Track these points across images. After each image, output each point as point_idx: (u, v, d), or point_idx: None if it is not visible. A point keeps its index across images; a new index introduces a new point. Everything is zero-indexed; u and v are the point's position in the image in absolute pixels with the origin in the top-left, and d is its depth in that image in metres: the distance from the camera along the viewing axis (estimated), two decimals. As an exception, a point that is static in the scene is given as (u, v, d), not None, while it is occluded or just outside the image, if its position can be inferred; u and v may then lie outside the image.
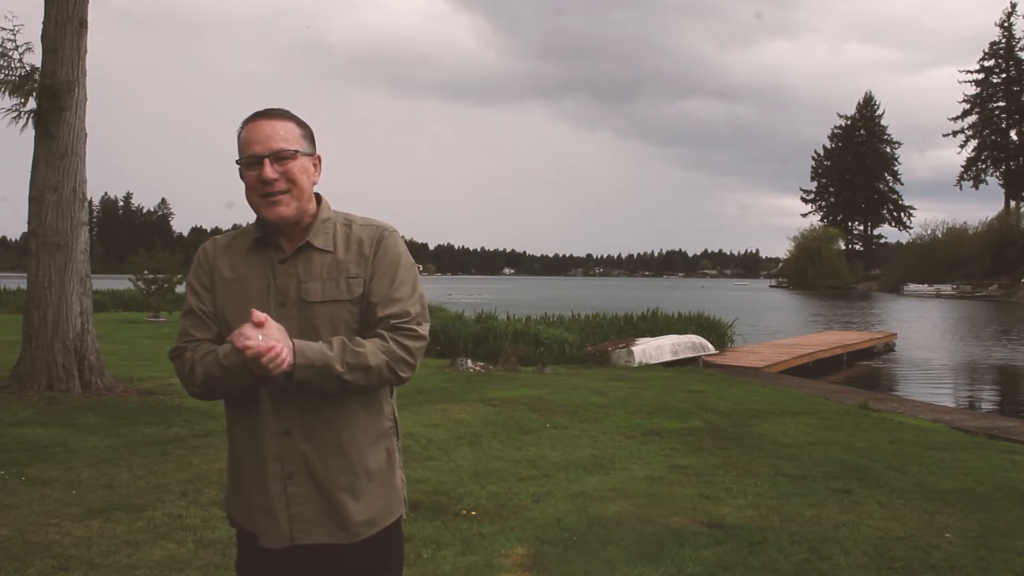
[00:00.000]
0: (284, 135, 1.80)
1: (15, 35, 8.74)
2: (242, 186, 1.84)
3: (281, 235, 1.84)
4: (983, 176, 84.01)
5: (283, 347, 1.63)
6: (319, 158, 1.89)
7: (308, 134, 1.86)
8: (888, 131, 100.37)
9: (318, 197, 1.89)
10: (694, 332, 16.11)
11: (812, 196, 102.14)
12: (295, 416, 1.78)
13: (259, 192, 1.79)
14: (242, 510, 1.87)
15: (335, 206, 1.93)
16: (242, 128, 1.82)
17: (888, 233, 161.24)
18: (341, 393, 1.75)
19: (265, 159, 1.77)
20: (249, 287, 1.82)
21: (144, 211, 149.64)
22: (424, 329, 1.84)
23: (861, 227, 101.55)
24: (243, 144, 1.81)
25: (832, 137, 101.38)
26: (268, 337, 1.62)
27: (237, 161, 1.82)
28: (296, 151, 1.80)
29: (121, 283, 30.79)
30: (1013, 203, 78.95)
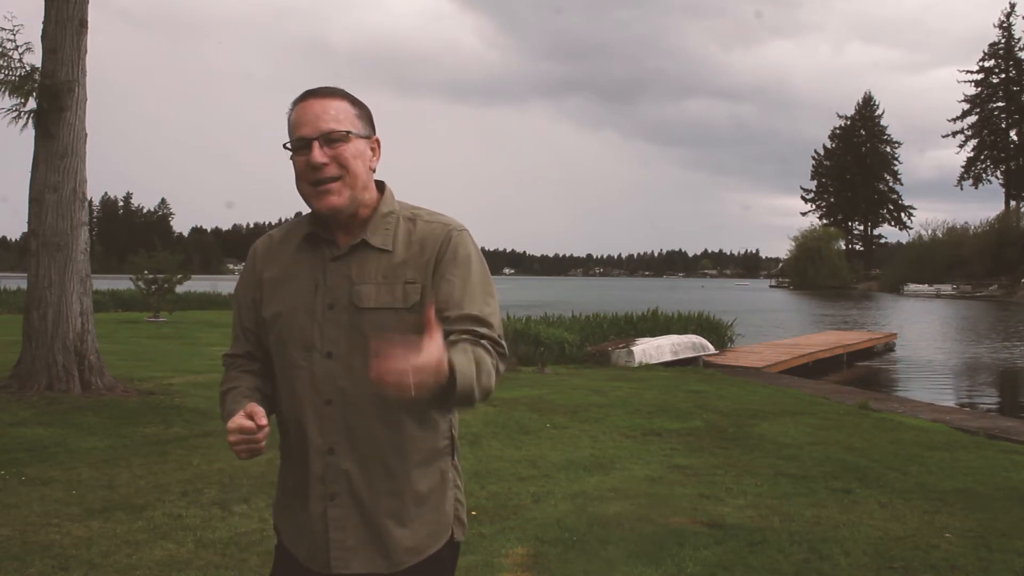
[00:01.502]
0: (336, 115, 1.61)
1: (15, 35, 8.75)
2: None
3: (336, 228, 1.66)
4: (983, 176, 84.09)
5: (420, 373, 1.36)
6: (378, 141, 1.70)
7: (364, 114, 1.68)
8: (888, 131, 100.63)
9: (381, 186, 1.71)
10: (694, 332, 16.11)
11: (812, 196, 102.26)
12: (341, 432, 1.62)
13: (309, 180, 1.61)
14: (286, 527, 1.74)
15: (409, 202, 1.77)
16: (292, 109, 1.65)
17: (888, 233, 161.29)
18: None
19: (314, 142, 1.59)
20: (297, 287, 1.66)
21: (144, 211, 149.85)
22: (502, 341, 1.63)
23: (861, 227, 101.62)
24: (292, 126, 1.63)
25: (832, 137, 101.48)
26: (416, 371, 1.36)
27: (285, 145, 1.64)
28: (348, 132, 1.61)
29: (121, 283, 30.82)
30: (1013, 203, 78.97)
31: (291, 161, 1.65)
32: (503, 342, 1.64)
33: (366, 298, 1.61)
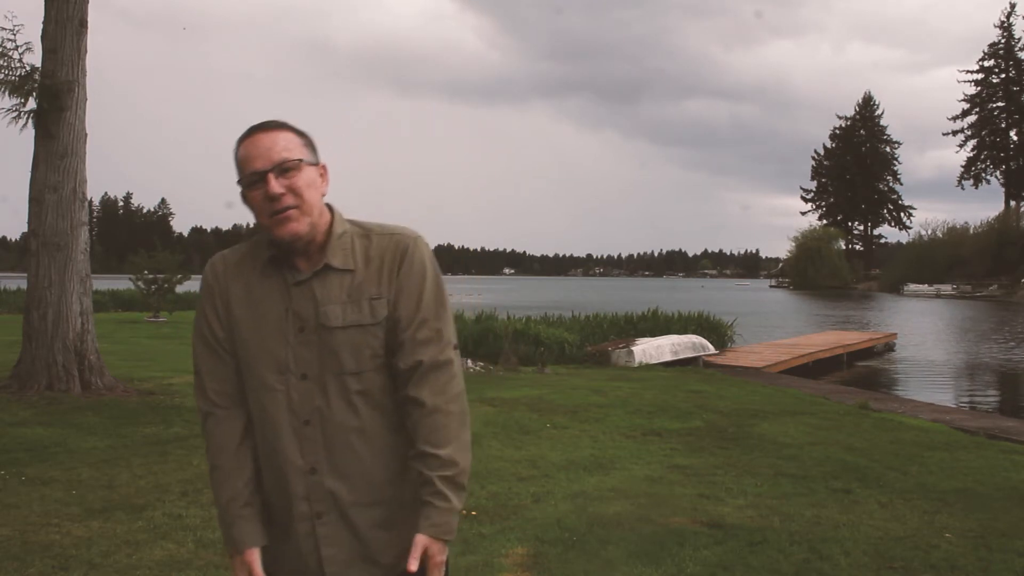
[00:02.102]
0: (286, 145, 1.65)
1: (15, 35, 8.76)
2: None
3: (296, 254, 1.68)
4: (983, 176, 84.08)
5: (444, 563, 1.63)
6: (324, 168, 1.73)
7: (309, 142, 1.71)
8: (888, 131, 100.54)
9: (330, 208, 1.74)
10: (694, 332, 16.12)
11: (812, 196, 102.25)
12: (321, 452, 1.65)
13: (267, 212, 1.63)
14: (267, 550, 1.73)
15: (338, 207, 1.79)
16: (238, 146, 1.67)
17: (888, 233, 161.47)
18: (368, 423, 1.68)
19: (269, 174, 1.62)
20: (266, 312, 1.68)
21: (144, 211, 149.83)
22: (456, 353, 1.72)
23: (861, 227, 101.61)
24: (242, 162, 1.66)
25: (832, 137, 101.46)
26: (439, 570, 1.62)
27: (239, 182, 1.67)
28: (300, 160, 1.65)
29: (121, 283, 30.81)
30: (1013, 203, 78.98)
31: (244, 199, 1.67)
32: (451, 353, 1.70)
33: (334, 318, 1.65)
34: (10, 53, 8.62)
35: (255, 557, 1.68)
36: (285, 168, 1.63)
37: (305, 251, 1.68)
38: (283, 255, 1.69)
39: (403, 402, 1.68)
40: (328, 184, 1.74)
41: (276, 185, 1.62)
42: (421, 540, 1.60)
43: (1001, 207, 79.49)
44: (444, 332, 1.70)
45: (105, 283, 32.06)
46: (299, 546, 1.69)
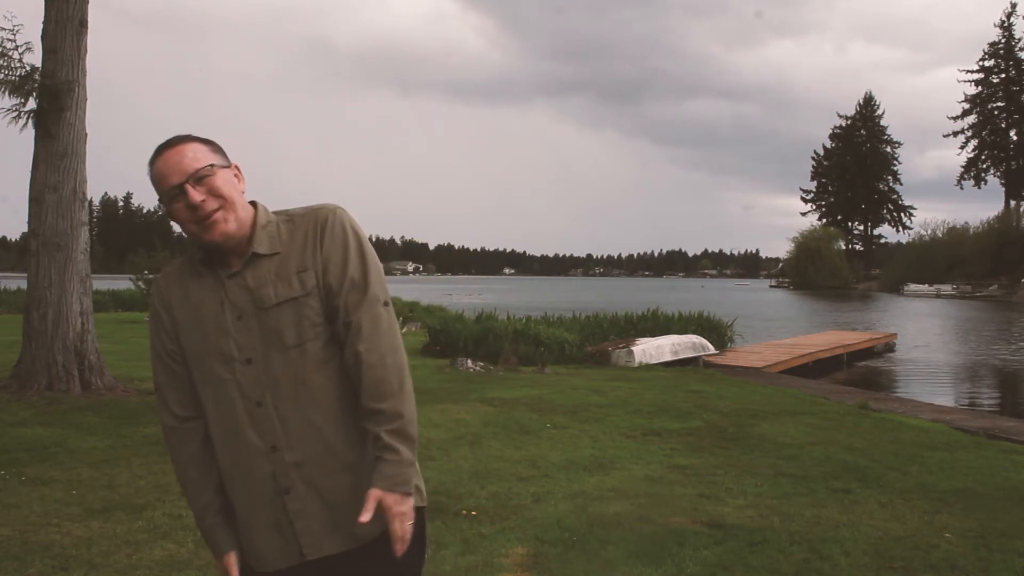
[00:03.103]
0: (194, 155, 1.70)
1: (15, 35, 8.76)
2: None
3: (228, 252, 1.75)
4: (984, 176, 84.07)
5: (407, 513, 1.66)
6: (238, 167, 1.80)
7: (217, 148, 1.77)
8: (888, 131, 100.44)
9: (253, 204, 1.80)
10: (694, 332, 16.11)
11: (812, 196, 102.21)
12: (277, 429, 1.71)
13: (193, 220, 1.69)
14: (242, 537, 1.81)
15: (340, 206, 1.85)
16: (151, 168, 1.72)
17: (888, 233, 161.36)
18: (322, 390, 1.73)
19: (186, 185, 1.68)
20: (204, 310, 1.75)
21: (144, 211, 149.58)
22: (387, 309, 1.77)
23: (861, 227, 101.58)
24: (158, 181, 1.71)
25: (832, 137, 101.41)
26: (401, 520, 1.65)
27: (159, 201, 1.73)
28: (212, 164, 1.71)
29: (121, 283, 30.78)
30: (1013, 203, 78.96)
31: (169, 216, 1.73)
32: (384, 298, 1.76)
33: (267, 298, 1.72)
34: (10, 53, 8.63)
35: (232, 560, 1.80)
36: (200, 176, 1.69)
37: (236, 249, 1.75)
38: (214, 255, 1.76)
39: (346, 364, 1.74)
40: (244, 183, 1.80)
41: (195, 194, 1.68)
42: (374, 493, 1.63)
43: (1002, 207, 79.50)
44: (372, 289, 1.74)
45: (105, 283, 32.03)
46: (275, 524, 1.74)
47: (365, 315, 1.72)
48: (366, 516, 1.61)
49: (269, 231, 1.77)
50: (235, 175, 1.78)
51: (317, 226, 1.75)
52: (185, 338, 1.77)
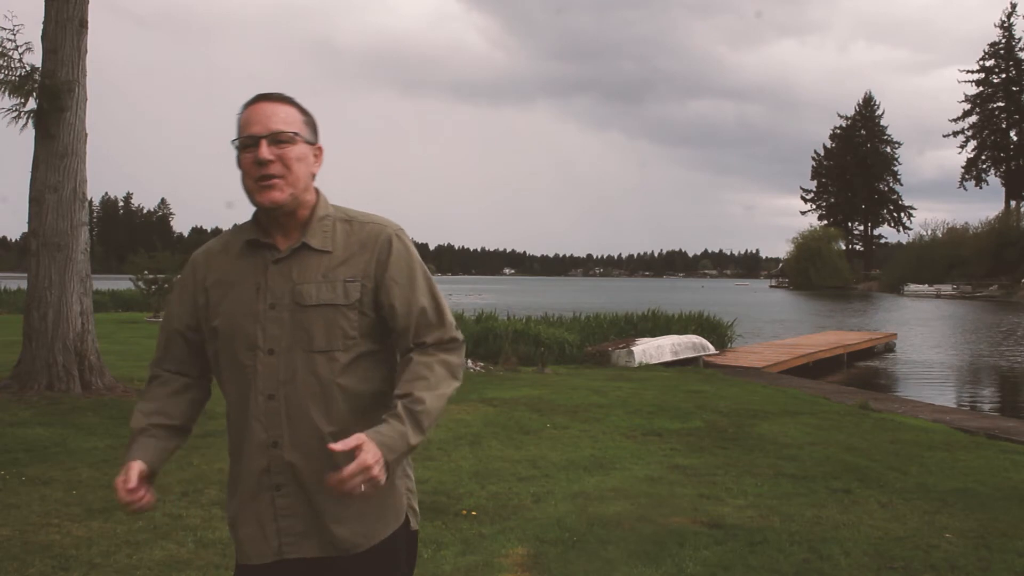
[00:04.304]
0: (285, 118, 1.71)
1: (15, 35, 8.75)
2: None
3: (277, 229, 1.74)
4: (984, 176, 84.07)
5: (373, 470, 1.54)
6: (320, 149, 1.79)
7: (311, 122, 1.77)
8: (888, 131, 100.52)
9: (316, 191, 1.79)
10: (694, 332, 16.11)
11: (812, 196, 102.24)
12: (283, 426, 1.70)
13: (254, 175, 1.69)
14: (236, 523, 1.79)
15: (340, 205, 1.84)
16: (242, 110, 1.74)
17: (888, 233, 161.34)
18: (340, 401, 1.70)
19: (262, 140, 1.68)
20: (239, 290, 1.73)
21: (144, 211, 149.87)
22: (460, 334, 1.78)
23: (861, 227, 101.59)
24: (242, 125, 1.72)
25: (832, 137, 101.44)
26: (363, 469, 1.53)
27: (233, 141, 1.73)
28: (295, 134, 1.71)
29: (121, 283, 30.80)
30: (1013, 203, 78.93)
31: (237, 161, 1.72)
32: (455, 333, 1.77)
33: (307, 296, 1.70)
34: (10, 53, 8.63)
35: (135, 468, 1.72)
36: (279, 139, 1.69)
37: (285, 227, 1.74)
38: (263, 235, 1.75)
39: (397, 361, 1.75)
40: (320, 166, 1.79)
41: (267, 151, 1.67)
42: (359, 436, 1.56)
43: (1003, 207, 79.48)
44: (446, 316, 1.77)
45: (105, 283, 32.05)
46: (259, 517, 1.73)
47: (439, 337, 1.75)
48: (338, 447, 1.54)
49: (324, 225, 1.75)
50: (315, 155, 1.77)
51: (379, 243, 1.74)
52: (213, 318, 1.76)
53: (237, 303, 1.73)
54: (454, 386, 1.73)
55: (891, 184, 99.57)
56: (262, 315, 1.70)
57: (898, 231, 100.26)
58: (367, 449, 1.54)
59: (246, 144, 1.70)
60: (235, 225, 1.85)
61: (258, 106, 1.72)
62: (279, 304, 1.70)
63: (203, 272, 1.80)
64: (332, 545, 1.72)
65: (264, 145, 1.67)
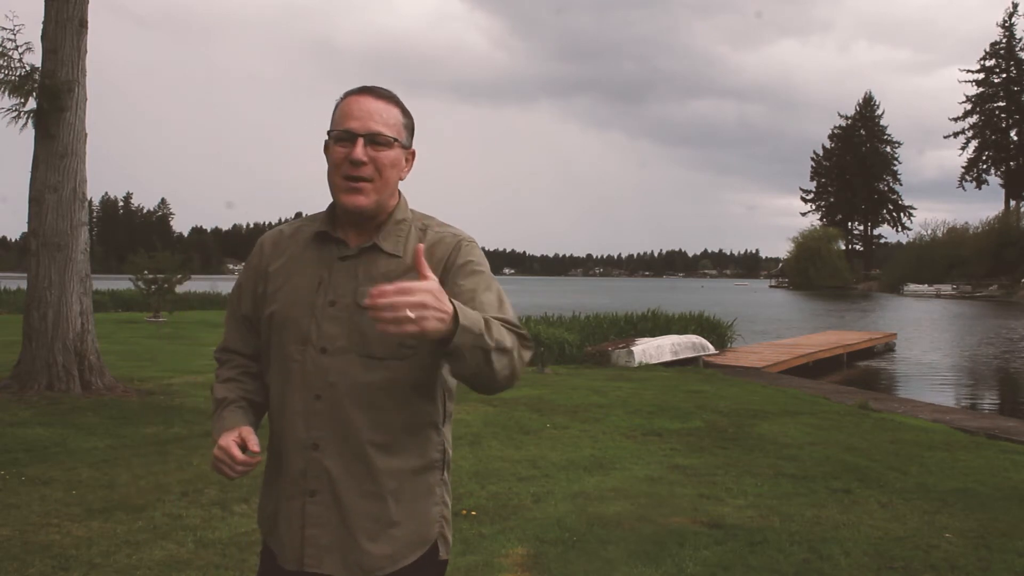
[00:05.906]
0: (387, 119, 1.61)
1: (15, 35, 8.76)
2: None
3: (351, 227, 1.66)
4: (984, 176, 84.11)
5: (432, 307, 1.30)
6: (413, 153, 1.71)
7: (410, 125, 1.68)
8: (888, 131, 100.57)
9: (399, 194, 1.71)
10: (694, 332, 16.11)
11: (812, 196, 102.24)
12: (326, 428, 1.60)
13: (343, 173, 1.60)
14: (265, 523, 1.73)
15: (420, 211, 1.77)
16: (343, 99, 1.64)
17: (888, 233, 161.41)
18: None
19: (360, 138, 1.59)
20: (300, 282, 1.66)
21: (144, 211, 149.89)
22: (527, 336, 1.58)
23: (861, 227, 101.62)
24: (339, 116, 1.62)
25: (832, 137, 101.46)
26: (424, 299, 1.30)
27: (329, 131, 1.63)
28: (394, 139, 1.62)
29: (121, 283, 30.79)
30: (1013, 203, 78.95)
31: (326, 149, 1.64)
32: (523, 329, 1.57)
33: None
34: (10, 53, 8.63)
35: (248, 430, 1.64)
36: (377, 140, 1.61)
37: (360, 226, 1.66)
38: (335, 228, 1.68)
39: None
40: (411, 170, 1.72)
41: (362, 152, 1.59)
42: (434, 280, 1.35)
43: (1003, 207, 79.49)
44: (510, 312, 1.61)
45: (105, 283, 32.05)
46: (290, 522, 1.64)
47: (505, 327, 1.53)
48: (417, 258, 1.37)
49: (400, 230, 1.67)
50: (407, 159, 1.69)
51: (448, 249, 1.65)
52: (270, 304, 1.68)
53: (295, 293, 1.65)
54: (518, 369, 1.51)
55: (891, 184, 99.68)
56: (319, 310, 1.62)
57: (898, 231, 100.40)
58: (433, 290, 1.32)
59: (341, 138, 1.61)
60: (297, 215, 1.75)
61: (361, 99, 1.63)
62: (339, 302, 1.61)
63: (268, 257, 1.73)
64: (357, 566, 1.62)
65: (360, 145, 1.59)
